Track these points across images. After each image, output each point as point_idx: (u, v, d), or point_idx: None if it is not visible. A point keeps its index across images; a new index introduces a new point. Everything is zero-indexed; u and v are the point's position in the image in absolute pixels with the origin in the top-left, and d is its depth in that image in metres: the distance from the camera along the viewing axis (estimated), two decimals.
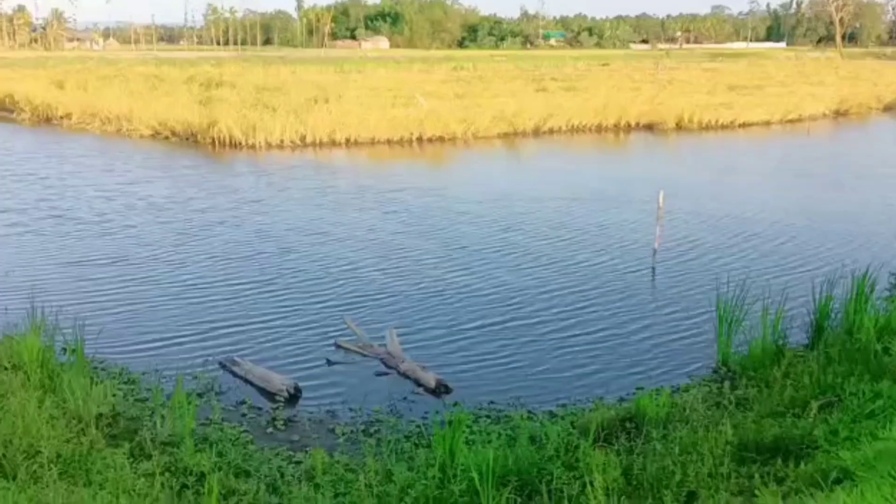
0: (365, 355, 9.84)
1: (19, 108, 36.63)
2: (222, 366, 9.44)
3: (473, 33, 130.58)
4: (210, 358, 9.69)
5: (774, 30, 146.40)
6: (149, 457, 6.73)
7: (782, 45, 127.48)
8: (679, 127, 33.36)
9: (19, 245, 15.18)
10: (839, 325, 9.55)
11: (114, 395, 8.14)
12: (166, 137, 28.73)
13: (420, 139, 28.85)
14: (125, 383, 8.79)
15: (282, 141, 27.03)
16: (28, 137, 31.34)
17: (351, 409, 8.42)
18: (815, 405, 7.51)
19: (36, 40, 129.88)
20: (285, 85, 40.81)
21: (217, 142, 26.92)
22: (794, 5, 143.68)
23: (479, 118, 30.45)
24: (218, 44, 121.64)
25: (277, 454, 7.25)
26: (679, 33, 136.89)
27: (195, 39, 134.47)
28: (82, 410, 7.38)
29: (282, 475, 6.76)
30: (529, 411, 8.26)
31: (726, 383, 8.68)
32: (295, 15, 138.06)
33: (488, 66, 65.76)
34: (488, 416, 8.17)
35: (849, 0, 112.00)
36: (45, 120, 34.74)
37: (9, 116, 36.97)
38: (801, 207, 18.73)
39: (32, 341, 8.50)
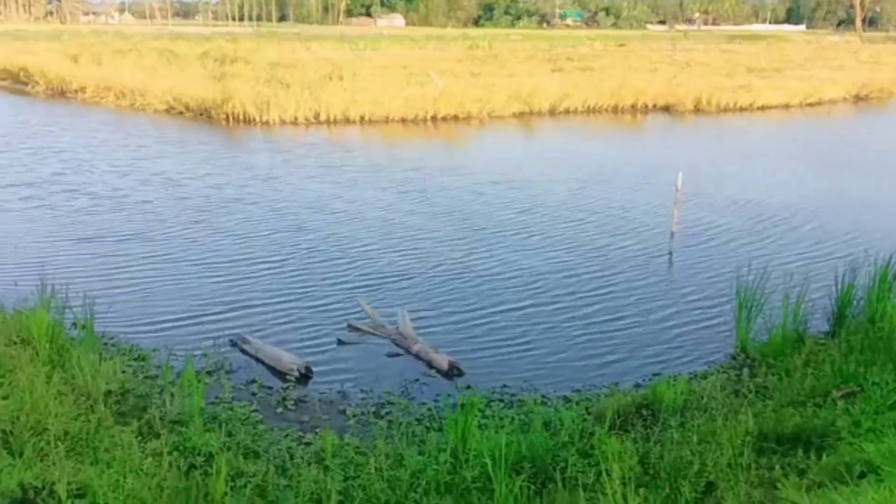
0: (377, 336, 9.73)
1: (34, 81, 36.58)
2: (233, 344, 9.34)
3: (489, 12, 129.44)
4: (221, 336, 9.59)
5: (794, 12, 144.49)
6: (157, 435, 6.64)
7: (801, 27, 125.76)
8: (697, 109, 32.94)
9: (32, 219, 15.11)
10: (861, 312, 9.35)
11: (123, 372, 8.06)
12: (180, 112, 28.60)
13: (434, 118, 28.59)
14: (135, 360, 8.70)
15: (296, 118, 26.85)
16: (43, 110, 31.29)
17: (362, 391, 8.31)
18: (836, 395, 7.36)
19: (51, 13, 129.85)
20: (300, 62, 40.55)
21: (231, 117, 26.77)
22: None
23: (494, 97, 30.13)
24: (233, 19, 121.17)
25: (287, 435, 7.15)
26: (697, 14, 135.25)
27: (210, 15, 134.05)
28: (91, 387, 7.29)
29: (291, 457, 6.66)
30: (543, 396, 8.12)
31: (745, 371, 8.52)
32: None
33: (504, 45, 65.17)
34: (501, 401, 8.04)
35: None
36: (60, 93, 34.67)
37: (23, 89, 36.94)
38: (823, 192, 18.44)
39: (42, 316, 8.40)
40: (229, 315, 10.35)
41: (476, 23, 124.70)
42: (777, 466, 6.06)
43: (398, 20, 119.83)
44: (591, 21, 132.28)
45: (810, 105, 35.86)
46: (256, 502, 5.76)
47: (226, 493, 5.74)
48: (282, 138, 25.38)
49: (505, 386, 8.43)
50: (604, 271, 12.36)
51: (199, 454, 6.30)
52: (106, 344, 8.97)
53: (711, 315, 10.59)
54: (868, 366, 7.79)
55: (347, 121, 27.44)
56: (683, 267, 12.73)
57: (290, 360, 8.68)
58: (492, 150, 25.11)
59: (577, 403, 7.87)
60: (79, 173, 19.32)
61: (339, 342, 9.61)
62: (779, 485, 5.44)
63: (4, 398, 6.73)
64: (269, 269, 12.27)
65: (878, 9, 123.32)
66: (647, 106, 33.12)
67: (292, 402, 7.96)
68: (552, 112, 31.29)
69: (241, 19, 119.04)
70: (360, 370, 8.86)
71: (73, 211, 15.74)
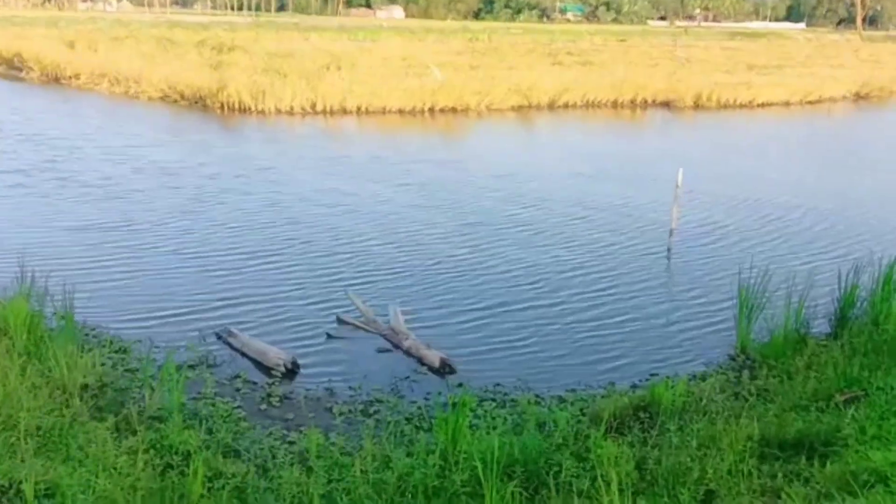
0: (367, 331, 9.46)
1: (28, 67, 36.18)
2: (218, 337, 9.06)
3: (490, 5, 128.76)
4: (207, 330, 9.32)
5: (794, 10, 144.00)
6: (134, 432, 6.37)
7: (801, 25, 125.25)
8: (697, 105, 32.66)
9: (20, 207, 14.81)
10: (864, 314, 9.10)
11: (102, 365, 7.79)
12: (175, 100, 28.24)
13: (433, 110, 28.28)
14: (116, 352, 8.42)
15: (292, 107, 26.52)
16: (36, 97, 30.93)
17: (350, 388, 8.04)
18: (839, 399, 7.11)
19: (49, 0, 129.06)
20: (298, 52, 40.15)
21: (226, 106, 26.43)
22: None
23: (493, 90, 29.83)
24: (232, 9, 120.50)
25: (270, 434, 6.88)
26: (698, 11, 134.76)
27: (209, 4, 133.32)
28: (67, 380, 7.02)
29: (273, 456, 6.39)
30: (537, 396, 7.86)
31: (745, 372, 8.27)
32: None
33: (504, 39, 64.75)
34: (494, 400, 7.78)
35: None
36: (54, 79, 34.30)
37: (17, 75, 36.55)
38: (826, 191, 18.17)
39: (20, 305, 8.12)
40: (217, 308, 10.05)
41: (476, 16, 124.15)
42: (780, 474, 5.82)
43: (398, 12, 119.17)
44: (591, 16, 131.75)
45: (810, 103, 35.59)
46: None
47: (202, 495, 5.48)
48: (277, 128, 25.07)
49: (498, 385, 8.17)
50: (602, 269, 12.09)
51: (176, 453, 6.03)
52: (87, 335, 8.69)
53: (711, 314, 10.33)
54: (872, 369, 7.55)
55: (344, 111, 27.12)
56: (683, 265, 12.47)
57: (276, 355, 8.41)
58: (491, 144, 24.82)
59: (572, 404, 7.62)
60: (70, 161, 19.00)
61: (329, 337, 9.34)
62: (783, 495, 5.18)
63: None
64: (260, 262, 11.97)
65: (878, 7, 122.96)
66: (646, 101, 32.83)
67: (277, 398, 7.69)
68: (551, 106, 31.00)
69: (240, 9, 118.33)
70: (348, 366, 8.59)
71: (62, 199, 15.43)
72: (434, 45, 53.51)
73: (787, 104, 34.72)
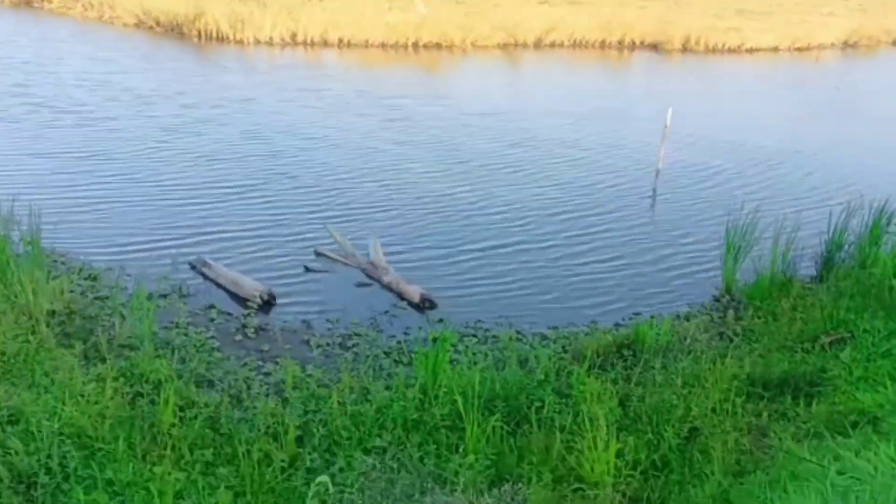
0: (346, 265, 9.23)
1: None
2: (192, 267, 8.80)
3: None
4: (181, 260, 9.04)
5: None
6: (103, 360, 6.16)
7: None
8: (685, 48, 32.07)
9: None
10: (852, 258, 8.99)
11: (71, 292, 7.54)
12: (150, 27, 27.24)
13: (416, 45, 27.55)
14: (85, 280, 8.16)
15: (271, 38, 25.69)
16: (6, 20, 29.78)
17: (328, 321, 7.85)
18: (825, 340, 7.02)
19: None
20: None
21: (203, 35, 25.54)
22: None
23: (478, 27, 29.08)
24: None
25: (245, 364, 6.69)
26: None
27: None
28: (33, 306, 6.77)
29: (248, 387, 6.21)
30: (518, 332, 7.72)
31: (730, 313, 8.15)
32: None
33: None
34: (475, 336, 7.63)
35: None
36: (25, 2, 32.99)
37: None
38: (816, 138, 17.93)
39: None
40: (192, 239, 9.75)
41: None
42: (765, 413, 5.73)
43: None
44: None
45: (799, 50, 35.12)
46: (207, 435, 5.31)
47: (173, 424, 5.30)
48: (256, 58, 24.33)
49: (479, 321, 8.01)
50: (588, 209, 11.86)
51: (146, 381, 5.84)
52: (55, 262, 8.40)
53: (696, 256, 10.19)
54: (858, 312, 7.46)
55: (325, 43, 26.34)
56: (669, 206, 12.28)
57: (252, 286, 8.18)
58: (476, 81, 24.26)
59: (555, 341, 7.49)
60: (42, 86, 18.28)
61: (306, 269, 9.10)
62: (771, 433, 5.08)
63: None
64: (238, 194, 11.61)
65: None
66: (634, 43, 32.19)
67: (253, 330, 7.48)
68: (537, 45, 30.31)
69: None
70: (326, 300, 8.38)
71: (33, 125, 14.86)
72: None
73: (775, 50, 34.23)
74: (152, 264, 8.79)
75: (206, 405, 5.61)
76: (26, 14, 30.74)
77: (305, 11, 27.57)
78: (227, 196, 11.51)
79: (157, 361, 6.13)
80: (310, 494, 4.37)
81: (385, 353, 7.13)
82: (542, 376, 6.27)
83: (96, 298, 7.69)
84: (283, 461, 5.08)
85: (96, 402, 5.39)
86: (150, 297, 7.30)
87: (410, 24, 27.77)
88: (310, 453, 5.18)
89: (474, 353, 7.05)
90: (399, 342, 7.38)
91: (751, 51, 33.23)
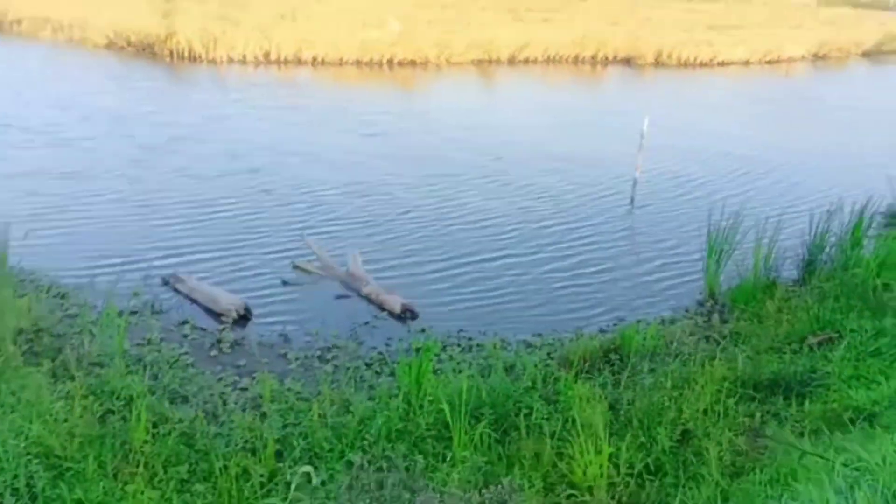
0: (325, 278, 9.03)
1: None
2: (165, 283, 8.56)
3: None
4: (155, 276, 8.80)
5: None
6: (72, 378, 5.88)
7: None
8: (658, 62, 32.32)
9: None
10: (834, 260, 8.95)
11: (39, 310, 7.26)
12: (121, 48, 26.97)
13: (391, 62, 27.50)
14: (54, 297, 7.89)
15: (244, 56, 25.52)
16: None
17: (306, 334, 7.64)
18: (812, 341, 6.93)
19: None
20: (251, 2, 38.79)
21: (175, 54, 25.31)
22: None
23: (453, 43, 29.11)
24: None
25: (220, 379, 6.46)
26: None
27: None
28: None
29: (224, 402, 5.98)
30: (503, 340, 7.54)
31: (715, 317, 8.05)
32: None
33: None
34: (458, 345, 7.45)
35: None
36: None
37: None
38: (791, 145, 18.03)
39: None
40: (166, 257, 9.47)
41: None
42: (757, 414, 5.60)
43: None
44: None
45: (769, 63, 35.54)
46: (182, 451, 5.08)
47: (146, 441, 5.06)
48: (230, 77, 24.11)
49: (462, 330, 7.84)
50: (567, 219, 11.76)
51: (118, 398, 5.60)
52: (23, 280, 8.11)
53: (677, 262, 10.11)
54: (844, 312, 7.40)
55: (299, 62, 26.21)
56: (648, 215, 12.21)
57: (227, 301, 7.95)
58: (453, 97, 24.16)
59: (540, 348, 7.34)
60: (12, 107, 17.95)
61: (283, 283, 8.89)
62: (766, 433, 4.94)
63: None
64: (215, 211, 11.34)
65: None
66: (607, 58, 32.41)
67: (228, 344, 7.25)
68: (512, 61, 30.42)
69: None
70: (304, 313, 8.17)
71: (6, 146, 14.53)
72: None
73: (746, 63, 34.59)
74: (124, 280, 8.50)
75: (181, 420, 5.38)
76: None
77: (279, 30, 27.46)
78: (202, 212, 11.26)
79: (128, 378, 5.90)
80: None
81: (366, 364, 6.93)
82: (529, 383, 6.11)
83: (65, 316, 7.43)
84: (262, 476, 4.86)
85: (65, 421, 5.15)
86: (120, 313, 7.05)
87: (385, 42, 27.75)
88: (290, 467, 4.97)
89: (458, 362, 6.87)
90: (381, 353, 7.19)
91: (723, 64, 33.57)
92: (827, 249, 9.05)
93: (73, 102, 18.78)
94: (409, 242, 10.43)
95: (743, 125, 20.74)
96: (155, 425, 5.25)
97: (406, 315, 8.08)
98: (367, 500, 4.26)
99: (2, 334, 6.37)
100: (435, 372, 6.23)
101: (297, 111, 19.11)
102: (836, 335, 7.00)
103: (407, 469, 4.78)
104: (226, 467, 4.80)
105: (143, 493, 4.58)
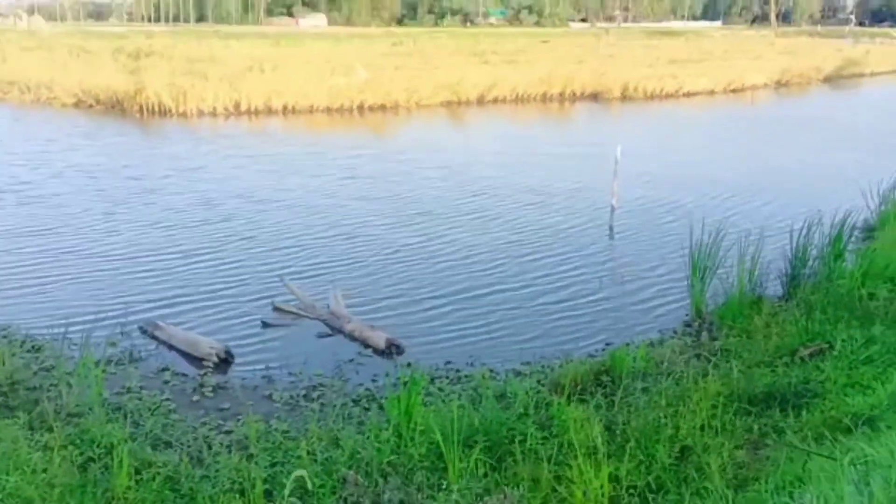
0: (306, 317, 8.88)
1: None
2: (143, 331, 8.36)
3: (413, 11, 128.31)
4: (132, 326, 8.59)
5: (710, 8, 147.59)
6: (50, 429, 5.68)
7: (718, 23, 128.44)
8: (624, 96, 32.83)
9: None
10: (816, 273, 8.96)
11: (13, 364, 7.04)
12: (90, 106, 26.89)
13: (361, 107, 27.67)
14: (28, 351, 7.67)
15: (214, 108, 25.55)
16: None
17: (290, 374, 7.46)
18: (804, 352, 6.88)
19: None
20: (219, 57, 38.99)
21: (145, 109, 25.29)
22: None
23: (422, 86, 29.38)
24: (149, 20, 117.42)
25: (204, 423, 6.27)
26: (618, 12, 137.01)
27: (125, 16, 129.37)
28: None
29: (209, 445, 5.78)
30: (491, 370, 7.42)
31: (704, 335, 8.00)
32: None
33: (429, 42, 64.41)
34: (446, 377, 7.32)
35: None
36: None
37: None
38: (762, 165, 18.28)
39: None
40: (144, 307, 9.22)
41: (399, 22, 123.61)
42: (755, 426, 5.50)
43: (321, 20, 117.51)
44: (514, 20, 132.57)
45: (734, 91, 36.23)
46: (167, 496, 4.88)
47: (129, 487, 4.86)
48: (202, 129, 24.09)
49: (449, 362, 7.72)
50: (548, 249, 11.73)
51: (98, 446, 5.39)
52: None
53: (659, 286, 10.09)
54: (832, 323, 7.39)
55: (270, 111, 26.29)
56: (628, 241, 12.24)
57: (207, 345, 7.78)
58: (426, 138, 24.27)
59: (529, 375, 7.22)
60: None
61: (264, 325, 8.73)
62: (766, 444, 4.85)
63: None
64: (193, 260, 11.13)
65: (790, 3, 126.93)
66: (575, 94, 32.86)
67: (210, 388, 7.06)
68: (481, 101, 30.72)
69: (158, 20, 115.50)
70: (287, 353, 7.99)
71: None
72: (358, 48, 52.82)
73: (711, 93, 35.23)
74: (101, 332, 8.28)
75: (164, 465, 5.18)
76: None
77: (247, 82, 27.61)
78: (179, 262, 11.06)
79: (108, 426, 5.69)
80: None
81: (353, 400, 6.77)
82: (522, 409, 5.97)
83: (41, 369, 7.21)
84: None
85: (44, 471, 4.94)
86: (97, 363, 6.85)
87: (354, 88, 27.94)
88: None
89: (448, 394, 6.72)
90: (368, 389, 7.03)
91: (688, 95, 34.16)
92: (810, 263, 9.07)
93: (43, 160, 18.63)
94: (392, 281, 10.30)
95: (713, 149, 20.99)
96: (138, 471, 5.05)
97: (391, 350, 7.94)
98: None
99: None
100: (424, 404, 6.09)
101: (270, 158, 19.07)
102: (827, 346, 6.97)
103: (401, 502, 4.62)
104: None
105: None
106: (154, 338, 8.19)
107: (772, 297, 8.81)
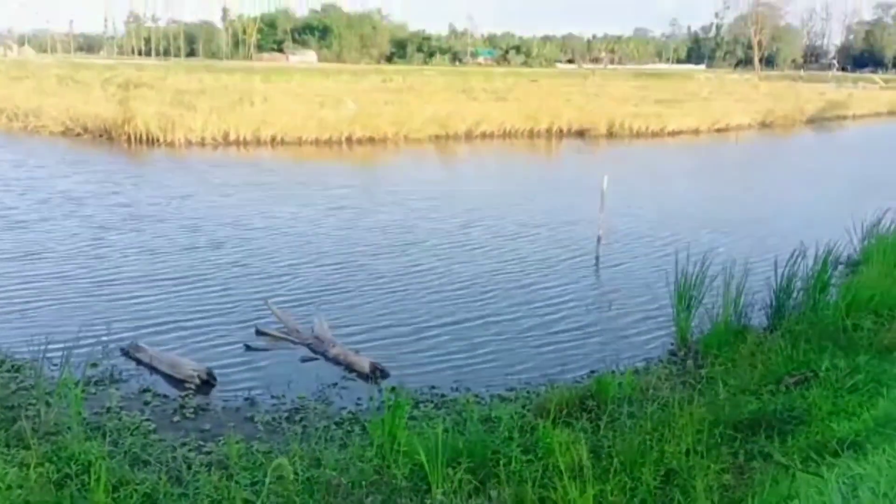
0: (291, 341, 8.81)
1: None
2: (125, 353, 8.26)
3: (402, 49, 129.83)
4: (114, 348, 8.48)
5: (695, 52, 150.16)
6: (27, 447, 5.57)
7: (702, 66, 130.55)
8: (611, 134, 33.20)
9: None
10: (801, 304, 9.00)
11: None
12: (78, 134, 26.91)
13: (350, 140, 27.83)
14: (8, 371, 7.56)
15: (203, 138, 25.61)
16: None
17: (273, 397, 7.38)
18: (789, 381, 6.89)
19: None
20: (209, 89, 39.22)
21: (133, 138, 25.30)
22: (714, 28, 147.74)
23: (410, 120, 29.61)
24: (139, 54, 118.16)
25: (184, 444, 6.16)
26: (604, 53, 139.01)
27: (116, 49, 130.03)
28: None
29: (188, 465, 5.68)
30: (476, 395, 7.37)
31: (689, 363, 8.00)
32: (221, 26, 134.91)
33: (418, 79, 65.02)
34: (431, 401, 7.26)
35: (766, 24, 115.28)
36: None
37: None
38: (747, 202, 18.44)
39: None
40: (127, 330, 9.11)
41: (389, 60, 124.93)
42: (741, 452, 5.47)
43: (311, 56, 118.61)
44: (502, 60, 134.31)
45: (718, 131, 36.71)
46: None
47: None
48: (190, 158, 24.10)
49: (434, 387, 7.66)
50: (535, 279, 11.74)
51: (75, 463, 5.28)
52: None
53: (645, 315, 10.12)
54: (817, 353, 7.41)
55: (258, 142, 26.37)
56: (614, 272, 12.29)
57: (190, 367, 7.68)
58: (414, 170, 24.43)
59: (514, 401, 7.17)
60: None
61: (247, 348, 8.65)
62: (752, 468, 4.81)
63: None
64: (177, 284, 11.04)
65: (774, 48, 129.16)
66: (562, 130, 33.19)
67: (192, 409, 6.96)
68: (469, 136, 30.97)
69: (148, 54, 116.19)
70: (271, 377, 7.91)
71: None
72: (348, 84, 53.22)
73: (696, 132, 35.68)
74: (82, 353, 8.17)
75: (143, 483, 5.09)
76: None
77: (236, 113, 27.71)
78: (164, 286, 10.96)
79: (86, 444, 5.59)
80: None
81: (336, 423, 6.69)
82: (506, 433, 5.93)
83: (20, 388, 7.10)
84: None
85: (19, 487, 4.84)
86: (78, 383, 6.74)
87: (343, 120, 28.11)
88: None
89: (432, 418, 6.65)
90: (351, 412, 6.95)
91: (673, 133, 34.56)
92: (794, 295, 9.10)
93: (29, 186, 18.56)
94: (378, 308, 10.25)
95: (697, 187, 21.18)
96: (115, 488, 4.95)
97: (376, 375, 7.88)
98: None
99: None
100: (408, 427, 6.03)
101: (258, 188, 19.08)
102: (812, 374, 6.97)
103: None
104: None
105: None
106: (136, 360, 8.09)
107: (756, 327, 8.82)
